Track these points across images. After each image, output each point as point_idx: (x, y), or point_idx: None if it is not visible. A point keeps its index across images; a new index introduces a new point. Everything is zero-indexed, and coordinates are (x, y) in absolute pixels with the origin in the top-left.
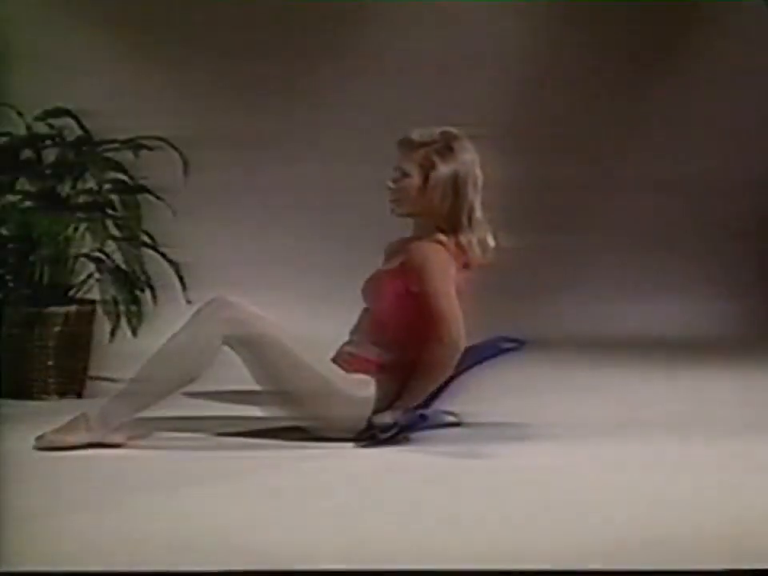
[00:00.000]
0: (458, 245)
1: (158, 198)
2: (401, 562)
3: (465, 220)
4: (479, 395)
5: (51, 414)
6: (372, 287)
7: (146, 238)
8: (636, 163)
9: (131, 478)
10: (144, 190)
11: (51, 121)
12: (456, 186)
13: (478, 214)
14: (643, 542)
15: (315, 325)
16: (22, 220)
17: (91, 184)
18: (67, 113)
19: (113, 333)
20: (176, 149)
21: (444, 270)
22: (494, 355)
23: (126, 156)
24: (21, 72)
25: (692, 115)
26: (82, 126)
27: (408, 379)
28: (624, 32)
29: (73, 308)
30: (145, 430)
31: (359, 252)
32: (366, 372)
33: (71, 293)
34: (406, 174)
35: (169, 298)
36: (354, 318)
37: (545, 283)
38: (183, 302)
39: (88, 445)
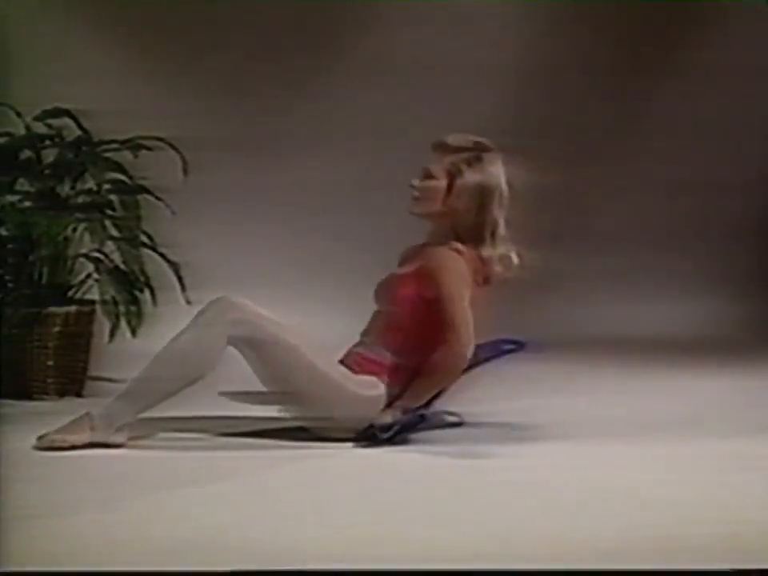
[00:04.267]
0: (480, 259)
1: (157, 198)
2: (401, 562)
3: (488, 235)
4: (480, 395)
5: (51, 414)
6: (385, 290)
7: (145, 239)
8: (636, 164)
9: (131, 478)
10: (143, 190)
11: (50, 121)
12: (481, 199)
13: (502, 229)
14: (643, 542)
15: (315, 325)
16: (21, 220)
17: (90, 184)
18: (66, 113)
19: (112, 333)
20: (175, 149)
21: (459, 278)
22: (495, 357)
23: (126, 156)
24: (20, 72)
25: (692, 115)
26: (81, 127)
27: (412, 381)
28: (625, 33)
29: (72, 308)
30: (147, 430)
31: (361, 252)
32: (373, 374)
33: (71, 293)
34: (431, 176)
35: (168, 299)
36: (355, 319)
37: (546, 284)
38: (183, 302)
39: (89, 445)
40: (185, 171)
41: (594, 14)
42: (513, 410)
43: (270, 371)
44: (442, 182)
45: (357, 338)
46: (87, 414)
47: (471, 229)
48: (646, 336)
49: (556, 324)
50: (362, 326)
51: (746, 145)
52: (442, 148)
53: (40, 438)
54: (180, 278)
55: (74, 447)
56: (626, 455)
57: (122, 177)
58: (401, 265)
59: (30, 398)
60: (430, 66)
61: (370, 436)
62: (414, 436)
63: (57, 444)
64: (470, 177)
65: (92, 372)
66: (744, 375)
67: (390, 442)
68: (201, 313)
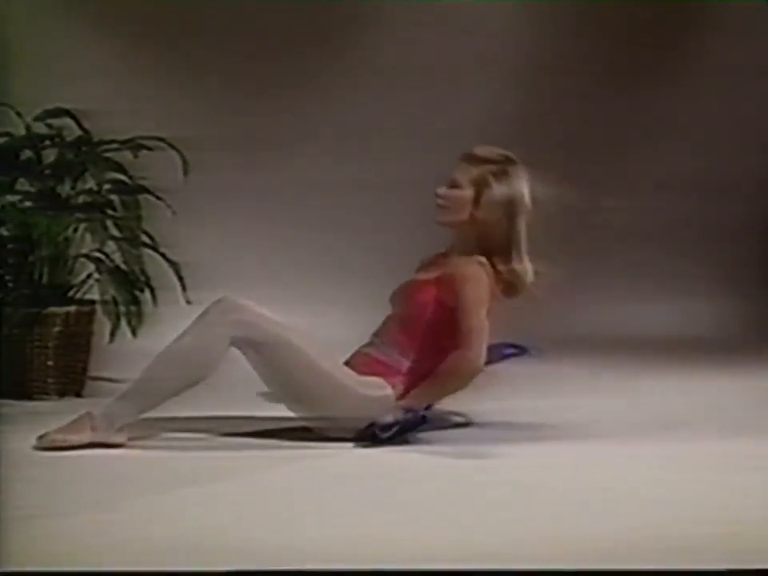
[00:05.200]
0: (502, 272)
1: (157, 198)
2: (401, 561)
3: (513, 249)
4: (480, 395)
5: (51, 414)
6: (403, 294)
7: (145, 239)
8: (637, 164)
9: (131, 478)
10: (144, 190)
11: (51, 121)
12: (508, 212)
13: (525, 244)
14: (643, 542)
15: (316, 325)
16: (21, 220)
17: (91, 184)
18: (67, 113)
19: (112, 333)
20: (176, 149)
21: (480, 290)
22: (497, 361)
23: (126, 156)
24: (21, 72)
25: (692, 115)
26: (81, 127)
27: (417, 384)
28: (625, 34)
29: (73, 308)
30: (147, 430)
31: (362, 252)
32: (380, 374)
33: (71, 293)
34: (457, 185)
35: (169, 299)
36: (355, 319)
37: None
38: (183, 302)
39: (89, 445)
40: (185, 171)
41: (594, 14)
42: (513, 410)
43: (273, 372)
44: (469, 192)
45: (357, 338)
46: (88, 413)
47: (497, 242)
48: (647, 336)
49: (556, 324)
50: (362, 326)
51: (746, 145)
52: (469, 159)
53: (40, 437)
54: (180, 278)
55: (74, 447)
56: (626, 455)
57: (123, 177)
58: (420, 271)
59: (30, 398)
60: (430, 66)
61: (370, 435)
62: (417, 435)
63: (57, 444)
64: (498, 189)
65: (92, 372)
66: (745, 375)
67: (390, 441)
68: (203, 314)
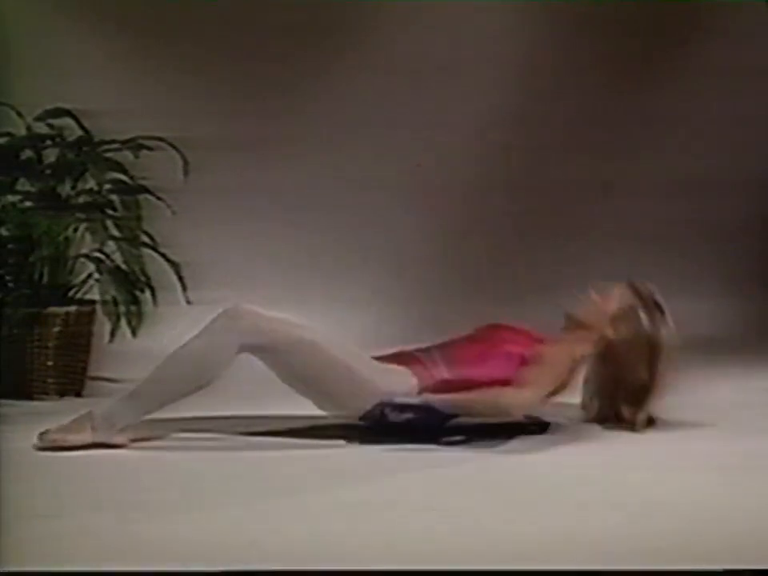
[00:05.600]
0: (630, 414)
1: (158, 198)
2: (400, 561)
3: (647, 400)
4: None
5: (51, 414)
6: (492, 327)
7: (146, 239)
8: (637, 164)
9: (132, 478)
10: (144, 190)
11: (51, 121)
12: (653, 360)
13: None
14: (643, 542)
15: (316, 325)
16: (22, 220)
17: (91, 184)
18: (67, 113)
19: (113, 333)
20: (176, 149)
21: (560, 363)
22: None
23: (126, 156)
24: (21, 72)
25: (692, 116)
26: (81, 127)
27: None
28: (625, 34)
29: (73, 308)
30: (149, 431)
31: (362, 252)
32: (409, 366)
33: (71, 293)
34: (605, 298)
35: (169, 299)
36: (355, 319)
37: (547, 284)
38: (183, 302)
39: (90, 445)
40: (185, 171)
41: (594, 14)
42: None
43: (291, 373)
44: (613, 306)
45: (357, 338)
46: (89, 413)
47: (633, 385)
48: None
49: (556, 324)
50: (363, 326)
51: (746, 145)
52: (630, 287)
53: (41, 435)
54: (181, 278)
55: (74, 447)
56: (626, 455)
57: (123, 177)
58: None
59: (30, 398)
60: (432, 65)
61: (377, 415)
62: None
63: (57, 443)
64: (641, 321)
65: (92, 372)
66: (745, 375)
67: (395, 431)
68: (213, 320)
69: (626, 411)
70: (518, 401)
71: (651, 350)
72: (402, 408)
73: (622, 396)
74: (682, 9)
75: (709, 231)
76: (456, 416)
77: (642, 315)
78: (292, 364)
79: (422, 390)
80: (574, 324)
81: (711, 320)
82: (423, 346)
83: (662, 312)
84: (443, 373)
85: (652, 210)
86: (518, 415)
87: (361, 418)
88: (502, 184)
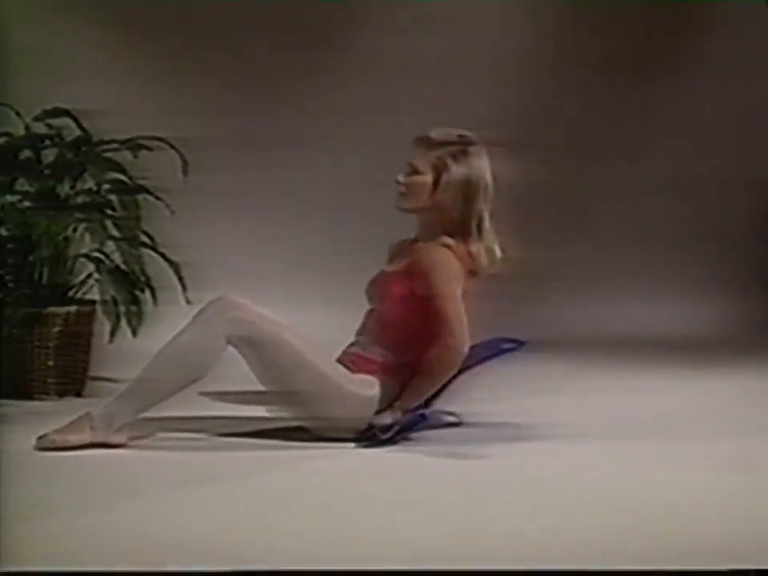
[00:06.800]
0: (468, 253)
1: (157, 198)
2: (401, 562)
3: (474, 228)
4: (480, 395)
5: (51, 414)
6: (376, 288)
7: (145, 239)
8: (636, 164)
9: (131, 478)
10: (143, 190)
11: (50, 121)
12: (467, 192)
13: (487, 223)
14: (643, 542)
15: (315, 325)
16: (21, 220)
17: (90, 184)
18: (66, 113)
19: (113, 333)
20: (175, 149)
21: (452, 275)
22: (494, 355)
23: (126, 156)
24: (20, 72)
25: (692, 115)
26: (80, 126)
27: (409, 380)
28: (625, 34)
29: (73, 308)
30: (147, 430)
31: (361, 252)
32: (369, 373)
33: (71, 293)
34: (417, 171)
35: (169, 299)
36: (355, 319)
37: (546, 284)
38: (183, 302)
39: (89, 445)
40: (185, 171)
41: (594, 14)
42: (513, 410)
43: (269, 371)
44: (428, 177)
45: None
46: (87, 413)
47: (458, 223)
48: (646, 336)
49: (555, 324)
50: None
51: (746, 145)
52: (426, 143)
53: (40, 438)
54: (180, 278)
55: (74, 447)
56: (626, 455)
57: (122, 177)
58: (390, 261)
59: (30, 397)
60: (430, 64)
61: (370, 436)
62: (414, 436)
63: (57, 444)
64: (456, 171)
65: (92, 372)
66: (745, 375)
67: (390, 442)
68: (200, 312)
69: (461, 250)
70: (451, 349)
71: (467, 185)
72: (390, 427)
73: (453, 236)
74: (683, 9)
75: (709, 231)
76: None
77: (449, 161)
78: (270, 361)
79: (387, 387)
80: (411, 212)
81: (711, 320)
82: (353, 340)
83: (468, 143)
84: (391, 359)
85: (652, 209)
86: (462, 357)
87: (353, 439)
88: (502, 184)
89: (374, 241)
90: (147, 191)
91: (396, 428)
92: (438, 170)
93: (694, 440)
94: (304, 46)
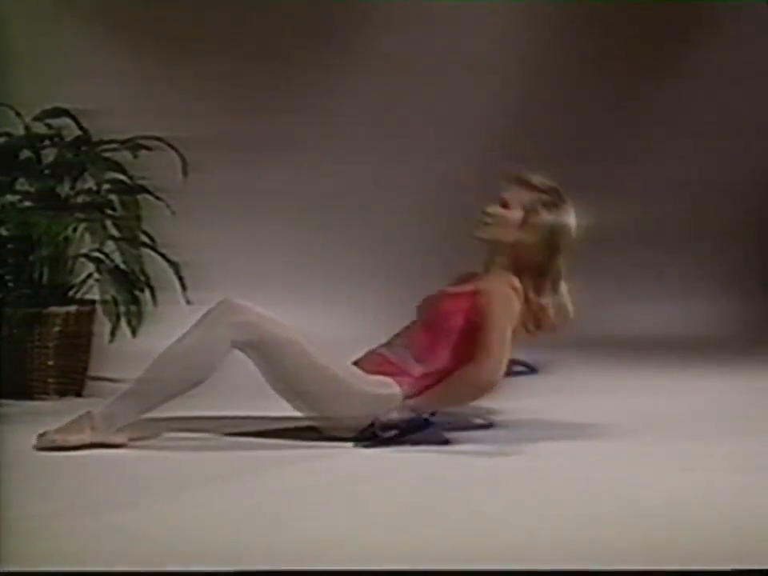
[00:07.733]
0: (538, 305)
1: (157, 198)
2: (401, 562)
3: (549, 283)
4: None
5: (51, 414)
6: (431, 303)
7: (145, 239)
8: (637, 164)
9: (132, 478)
10: (143, 190)
11: (50, 121)
12: (552, 242)
13: (563, 281)
14: (643, 542)
15: (315, 325)
16: (21, 220)
17: (90, 184)
18: (66, 113)
19: (113, 333)
20: (175, 149)
21: (508, 313)
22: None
23: (126, 156)
24: (20, 72)
25: (692, 116)
26: (80, 126)
27: (427, 389)
28: (625, 34)
29: (73, 308)
30: (148, 430)
31: (360, 252)
32: (388, 374)
33: (71, 293)
34: (507, 206)
35: (168, 299)
36: (355, 319)
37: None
38: (183, 302)
39: (90, 445)
40: (185, 171)
41: (595, 14)
42: (514, 410)
43: (276, 373)
44: (518, 215)
45: (356, 338)
46: (88, 413)
47: (536, 272)
48: (646, 336)
49: None
50: (363, 326)
51: (746, 145)
52: (524, 183)
53: (40, 437)
54: (180, 278)
55: (74, 447)
56: (626, 455)
57: (122, 177)
58: (453, 284)
59: (30, 397)
60: (433, 64)
61: (370, 434)
62: (414, 436)
63: (57, 444)
64: (546, 218)
65: (92, 372)
66: (745, 375)
67: (391, 441)
68: (205, 315)
69: (532, 299)
70: (483, 373)
71: (553, 235)
72: (391, 425)
73: (524, 280)
74: (683, 9)
75: (709, 231)
76: (435, 413)
77: (541, 207)
78: (277, 363)
79: (406, 395)
80: (489, 243)
81: (711, 320)
82: (384, 342)
83: (560, 197)
84: (417, 368)
85: (652, 209)
86: (490, 388)
87: (354, 437)
88: (501, 183)
89: (374, 241)
90: (147, 191)
91: (397, 428)
92: (528, 211)
93: (694, 440)
94: (304, 45)
